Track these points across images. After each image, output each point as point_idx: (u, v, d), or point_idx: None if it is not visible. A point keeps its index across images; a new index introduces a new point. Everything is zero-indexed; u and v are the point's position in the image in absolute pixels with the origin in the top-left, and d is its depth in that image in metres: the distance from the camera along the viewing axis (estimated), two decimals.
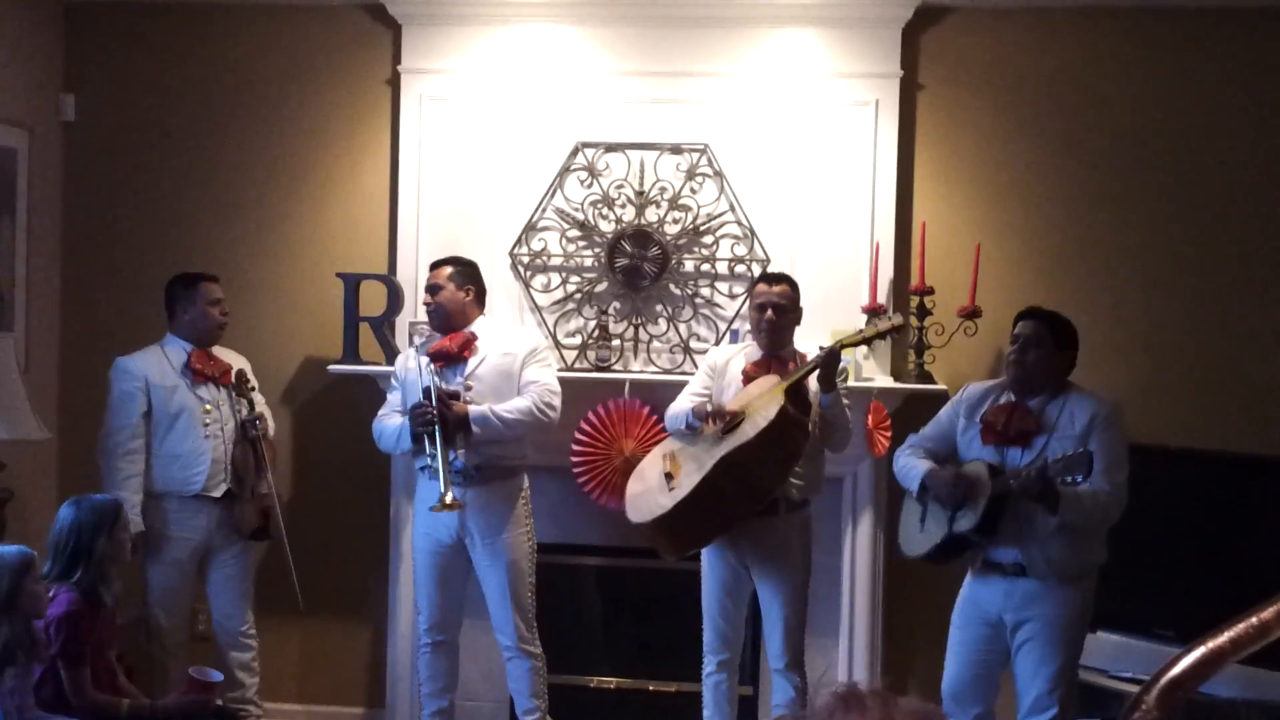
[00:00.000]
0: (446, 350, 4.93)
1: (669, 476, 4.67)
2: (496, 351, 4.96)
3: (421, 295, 5.52)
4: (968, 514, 4.26)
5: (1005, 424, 4.33)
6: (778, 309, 4.75)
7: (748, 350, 4.92)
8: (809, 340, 4.92)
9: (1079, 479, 3.95)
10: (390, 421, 5.00)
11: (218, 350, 5.25)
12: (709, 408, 4.68)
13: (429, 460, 4.78)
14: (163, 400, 5.08)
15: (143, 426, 5.06)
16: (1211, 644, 1.37)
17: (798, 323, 4.86)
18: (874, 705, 1.13)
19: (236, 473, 5.05)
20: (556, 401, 4.95)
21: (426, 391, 4.81)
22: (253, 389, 5.15)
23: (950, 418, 4.55)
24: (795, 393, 4.58)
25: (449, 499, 4.66)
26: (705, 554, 4.86)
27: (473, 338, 4.96)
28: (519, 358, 4.96)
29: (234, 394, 5.09)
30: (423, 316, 5.47)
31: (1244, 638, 1.36)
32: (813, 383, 4.65)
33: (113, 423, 5.08)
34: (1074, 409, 4.29)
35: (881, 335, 4.69)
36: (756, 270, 5.36)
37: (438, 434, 4.73)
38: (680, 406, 4.80)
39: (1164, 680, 1.34)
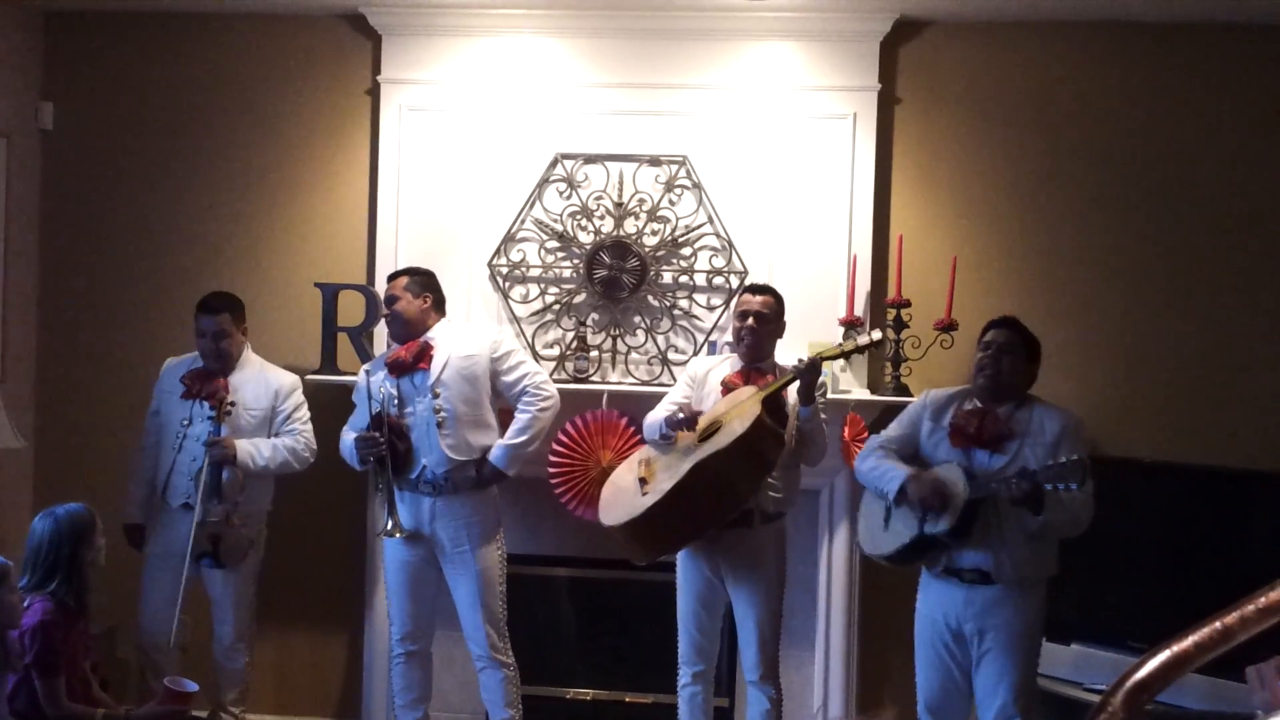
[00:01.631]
0: (402, 360, 4.94)
1: (643, 481, 4.68)
2: (457, 355, 4.96)
3: None
4: (943, 516, 4.28)
5: (978, 428, 4.37)
6: (760, 318, 4.77)
7: (729, 361, 4.94)
8: (787, 352, 4.95)
9: (1074, 486, 4.00)
10: (347, 438, 5.06)
11: (253, 369, 5.21)
12: (681, 415, 4.70)
13: (378, 485, 4.92)
14: (162, 404, 5.18)
15: (154, 424, 5.20)
16: (1176, 648, 1.39)
17: (779, 335, 4.88)
18: None
19: (198, 493, 5.01)
20: (548, 388, 5.00)
21: (377, 419, 4.87)
22: (228, 413, 5.06)
23: (915, 420, 4.57)
24: (772, 403, 4.60)
25: (389, 526, 4.89)
26: (680, 565, 4.87)
27: (428, 346, 4.96)
28: (482, 360, 4.96)
29: (210, 418, 5.05)
30: None
31: (1207, 642, 1.38)
32: (791, 395, 4.67)
33: (148, 416, 5.25)
34: (1043, 418, 4.35)
35: (861, 350, 4.71)
36: (735, 282, 5.39)
37: (387, 465, 4.86)
38: (656, 415, 4.82)
39: (1130, 683, 1.36)
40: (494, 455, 4.89)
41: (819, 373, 4.60)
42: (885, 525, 4.48)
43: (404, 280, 5.04)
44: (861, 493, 4.68)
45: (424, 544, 4.98)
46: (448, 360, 4.93)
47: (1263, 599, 1.49)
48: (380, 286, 5.54)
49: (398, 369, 4.94)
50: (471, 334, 5.09)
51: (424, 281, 5.07)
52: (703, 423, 4.66)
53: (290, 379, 5.25)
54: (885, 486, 4.43)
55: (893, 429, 4.62)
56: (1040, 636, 4.43)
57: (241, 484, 4.98)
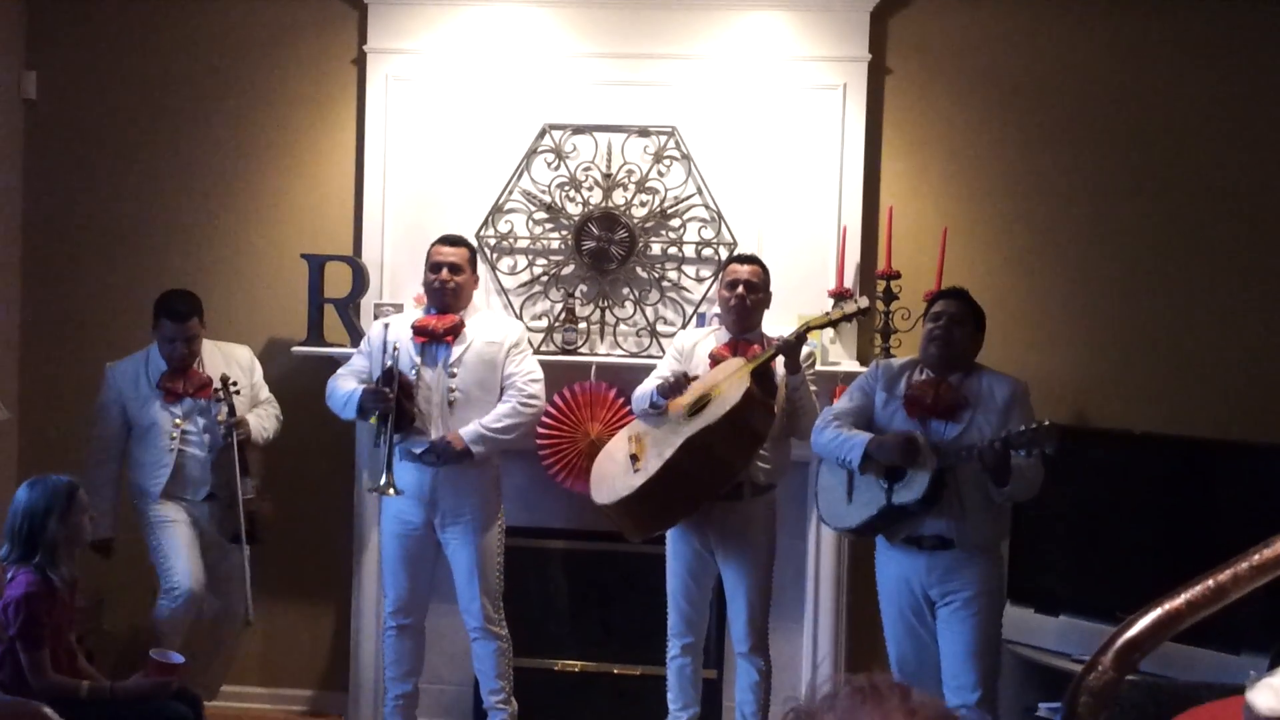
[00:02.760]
0: (432, 329, 4.92)
1: (634, 458, 4.67)
2: (481, 339, 4.97)
3: (389, 276, 5.53)
4: (910, 485, 4.30)
5: (934, 398, 4.40)
6: (749, 286, 4.77)
7: (716, 333, 4.92)
8: (775, 324, 4.93)
9: (1047, 450, 4.06)
10: (345, 385, 5.00)
11: (211, 348, 5.24)
12: (671, 379, 4.68)
13: (378, 441, 4.85)
14: (136, 412, 5.14)
15: (122, 433, 5.17)
16: (1168, 605, 1.38)
17: (766, 305, 4.87)
18: (891, 697, 1.11)
19: (220, 479, 5.03)
20: (537, 388, 5.01)
21: (388, 374, 4.81)
22: (237, 391, 5.07)
23: (867, 392, 4.57)
24: (761, 375, 4.59)
25: (383, 482, 4.82)
26: (670, 537, 4.86)
27: (461, 324, 4.97)
28: (504, 348, 4.99)
29: (220, 401, 5.04)
30: (390, 298, 5.48)
31: (1199, 599, 1.37)
32: (780, 367, 4.65)
33: (94, 430, 5.20)
34: (992, 385, 4.42)
35: (848, 318, 4.71)
36: (724, 254, 5.36)
37: (389, 421, 4.80)
38: (645, 388, 4.81)
39: (1120, 641, 1.34)
40: (465, 431, 4.86)
41: (805, 342, 4.61)
42: (849, 497, 4.49)
43: (467, 252, 5.05)
44: None
45: (424, 517, 4.97)
46: (471, 343, 4.94)
47: (1256, 556, 1.47)
48: (367, 258, 5.52)
49: (424, 334, 4.91)
50: (497, 322, 5.11)
51: (476, 259, 5.10)
52: (691, 395, 4.65)
53: (248, 350, 5.35)
54: (848, 455, 4.40)
55: (844, 401, 4.62)
56: (1003, 598, 4.52)
57: (262, 458, 5.06)
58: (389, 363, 4.84)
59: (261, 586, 5.42)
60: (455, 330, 4.94)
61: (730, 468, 4.60)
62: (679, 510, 4.69)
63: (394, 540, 5.03)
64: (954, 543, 4.33)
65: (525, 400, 4.95)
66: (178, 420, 5.08)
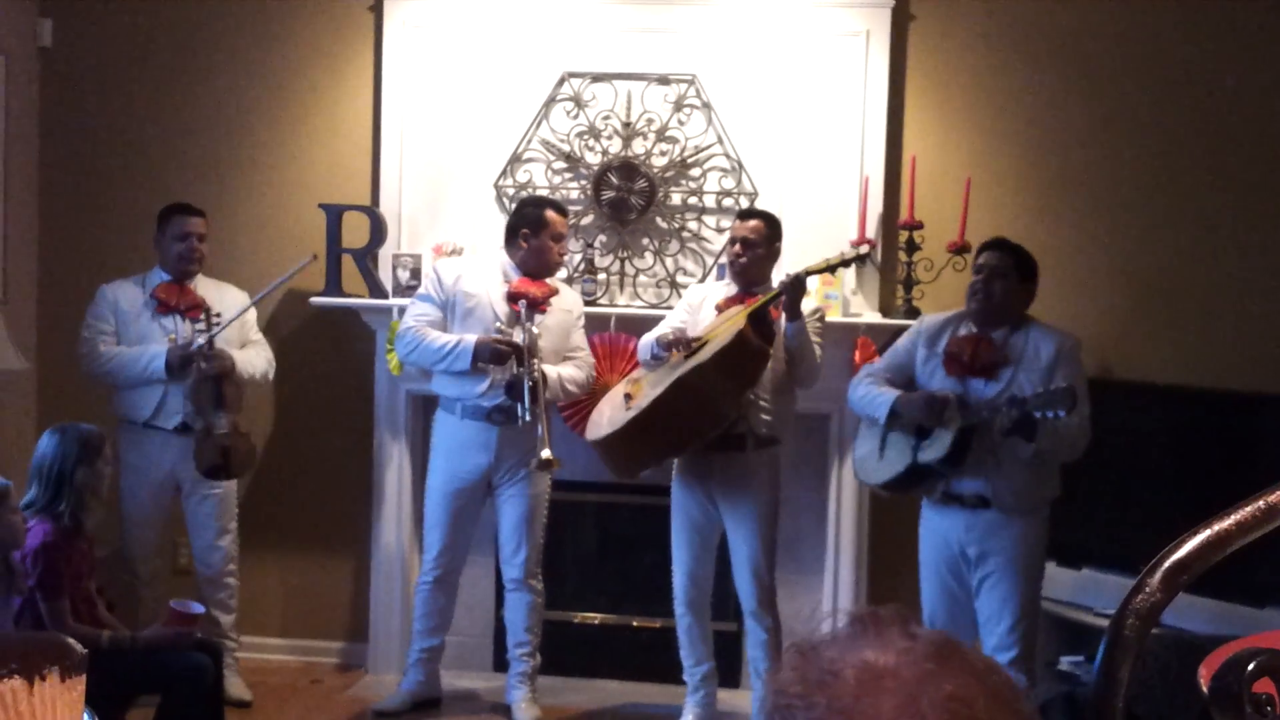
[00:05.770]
0: (532, 296, 4.87)
1: (628, 397, 4.73)
2: (560, 307, 4.99)
3: (408, 226, 5.50)
4: (935, 444, 4.25)
5: (971, 355, 4.32)
6: (746, 243, 4.76)
7: (727, 287, 4.92)
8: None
9: (1061, 414, 3.94)
10: (437, 337, 4.88)
11: (208, 284, 5.21)
12: (673, 336, 4.69)
13: (522, 416, 4.74)
14: (126, 326, 5.08)
15: (111, 343, 5.08)
16: (1217, 527, 1.33)
17: (774, 259, 4.86)
18: (892, 625, 1.10)
19: (195, 408, 4.99)
20: (593, 365, 5.10)
21: (517, 349, 4.77)
22: (217, 321, 5.02)
23: (909, 349, 4.52)
24: (759, 320, 4.59)
25: (545, 456, 4.68)
26: (674, 492, 4.88)
27: (554, 291, 4.98)
28: (573, 317, 5.04)
29: (204, 327, 5.00)
30: (408, 248, 5.46)
31: (1249, 520, 1.33)
32: (782, 317, 4.67)
33: (83, 335, 5.09)
34: (1038, 342, 4.30)
35: (846, 263, 4.70)
36: (745, 204, 5.31)
37: (525, 394, 4.72)
38: (650, 337, 4.83)
39: (1169, 562, 1.30)
40: (550, 376, 4.84)
41: (803, 287, 4.59)
42: (880, 454, 4.46)
43: (567, 221, 5.04)
44: None
45: (483, 472, 4.97)
46: (551, 310, 4.94)
47: None
48: (385, 208, 5.48)
49: (522, 299, 4.85)
50: (565, 292, 5.11)
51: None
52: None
53: (243, 292, 5.27)
54: (876, 411, 4.40)
55: (885, 358, 4.60)
56: (1043, 559, 4.43)
57: (242, 394, 4.95)
58: (520, 339, 4.76)
59: (279, 538, 5.44)
60: (549, 298, 4.94)
61: (719, 409, 4.59)
62: (664, 449, 4.71)
63: (446, 497, 5.01)
64: (991, 502, 4.26)
65: (590, 375, 5.05)
66: (172, 337, 5.00)
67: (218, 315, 5.01)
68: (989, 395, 4.24)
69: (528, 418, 4.72)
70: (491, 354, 4.78)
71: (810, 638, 1.12)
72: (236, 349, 5.12)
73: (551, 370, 4.87)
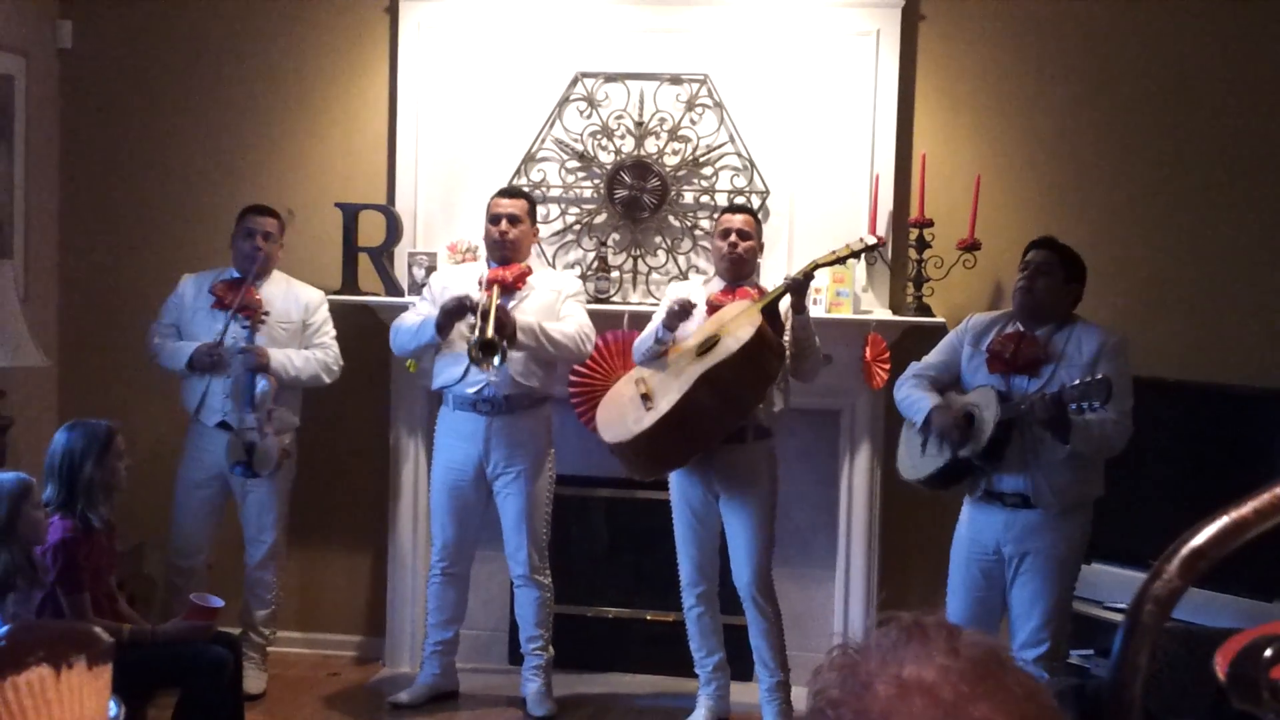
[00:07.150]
0: (504, 280, 4.91)
1: (645, 397, 4.70)
2: (545, 288, 5.02)
3: (423, 225, 5.54)
4: (974, 438, 4.27)
5: (1014, 353, 4.32)
6: (740, 234, 4.81)
7: (709, 283, 4.96)
8: (797, 269, 4.91)
9: (1096, 405, 3.97)
10: (410, 319, 5.00)
11: (280, 282, 5.28)
12: (675, 307, 4.70)
13: (467, 334, 4.81)
14: (185, 320, 5.19)
15: (174, 332, 5.21)
16: (1235, 514, 1.34)
17: (759, 254, 4.92)
18: (938, 636, 1.10)
19: (233, 404, 5.05)
20: (591, 331, 5.03)
21: (471, 301, 4.84)
22: (264, 321, 5.09)
23: (955, 346, 4.54)
24: (769, 314, 4.63)
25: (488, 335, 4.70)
26: (674, 484, 4.90)
27: (528, 271, 5.01)
28: (562, 296, 5.04)
29: (251, 324, 5.07)
30: (423, 247, 5.50)
31: (1268, 508, 1.33)
32: (785, 308, 4.71)
33: (152, 337, 5.22)
34: (1081, 339, 4.30)
35: (855, 255, 4.75)
36: (756, 202, 5.35)
37: (481, 322, 4.75)
38: (645, 333, 4.86)
39: (1186, 549, 1.31)
40: (521, 320, 4.83)
41: (811, 281, 4.66)
42: (923, 450, 4.48)
43: (525, 204, 5.06)
44: (884, 414, 4.68)
45: (477, 465, 5.01)
46: (534, 290, 4.98)
47: None
48: (401, 207, 5.53)
49: (498, 284, 4.89)
50: (556, 275, 5.17)
51: (534, 211, 5.12)
52: (698, 337, 4.69)
53: (318, 294, 5.31)
54: (913, 416, 4.46)
55: (932, 355, 4.60)
56: (1080, 560, 4.41)
57: (275, 393, 5.02)
58: (479, 299, 4.83)
59: (299, 533, 5.49)
60: (523, 278, 4.98)
61: (744, 405, 4.64)
62: (693, 447, 4.72)
63: (444, 489, 5.08)
64: (1031, 500, 4.25)
65: (584, 333, 4.98)
66: (220, 335, 5.04)
67: (265, 313, 5.09)
68: (1031, 393, 4.24)
69: (497, 361, 4.72)
70: (453, 306, 4.83)
71: (860, 641, 1.13)
72: (295, 350, 5.17)
73: (528, 318, 4.86)
